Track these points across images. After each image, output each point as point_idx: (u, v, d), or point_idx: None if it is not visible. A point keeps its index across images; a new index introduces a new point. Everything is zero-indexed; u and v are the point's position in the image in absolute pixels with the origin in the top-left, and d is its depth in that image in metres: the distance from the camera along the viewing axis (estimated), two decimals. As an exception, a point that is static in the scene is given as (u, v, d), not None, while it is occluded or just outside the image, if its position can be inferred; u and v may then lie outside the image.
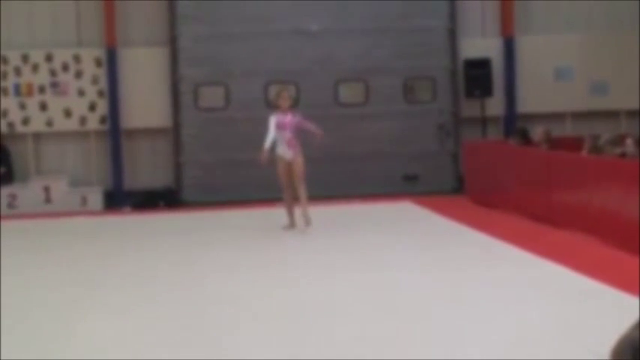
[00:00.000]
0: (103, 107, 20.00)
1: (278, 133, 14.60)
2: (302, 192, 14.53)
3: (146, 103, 20.08)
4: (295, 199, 14.78)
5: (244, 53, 20.10)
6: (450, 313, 8.71)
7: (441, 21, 20.50)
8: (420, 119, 20.51)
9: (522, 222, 15.04)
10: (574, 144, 16.37)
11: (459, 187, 19.95)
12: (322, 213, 17.34)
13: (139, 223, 17.26)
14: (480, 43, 20.74)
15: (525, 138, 16.99)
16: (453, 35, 20.51)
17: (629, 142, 14.16)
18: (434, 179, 20.40)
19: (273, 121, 14.69)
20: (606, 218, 12.65)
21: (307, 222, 14.55)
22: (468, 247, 12.78)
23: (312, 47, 20.24)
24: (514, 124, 20.00)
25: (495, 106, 20.62)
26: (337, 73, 20.34)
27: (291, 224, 14.98)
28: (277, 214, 15.92)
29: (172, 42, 20.05)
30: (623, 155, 14.09)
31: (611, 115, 20.66)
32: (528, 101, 20.71)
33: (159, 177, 20.20)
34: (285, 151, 14.67)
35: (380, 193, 19.79)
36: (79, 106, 19.99)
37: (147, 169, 20.24)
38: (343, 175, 20.08)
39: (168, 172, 20.26)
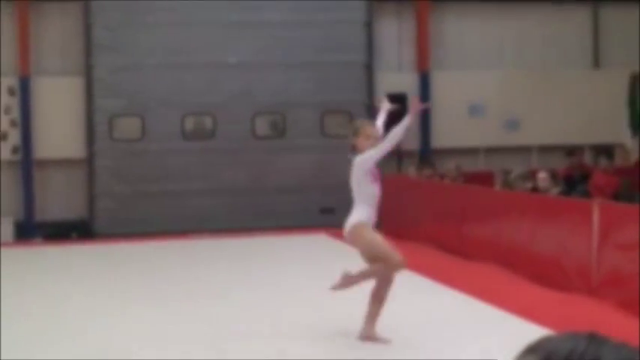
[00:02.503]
0: (15, 137, 19.68)
1: (371, 189, 9.52)
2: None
3: (60, 134, 19.81)
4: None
5: (161, 85, 20.00)
6: (355, 342, 8.73)
7: (358, 56, 20.69)
8: (336, 153, 20.57)
9: (435, 254, 15.17)
10: (486, 178, 16.63)
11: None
12: (236, 245, 17.33)
13: (49, 254, 16.99)
14: (396, 77, 20.96)
15: (434, 169, 17.47)
16: (369, 70, 20.71)
17: (543, 176, 14.38)
18: (350, 212, 20.45)
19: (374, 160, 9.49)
20: (516, 251, 12.85)
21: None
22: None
23: (230, 80, 20.24)
24: (429, 159, 20.22)
25: (410, 140, 20.79)
26: (255, 106, 20.36)
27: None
28: (190, 245, 15.77)
29: (88, 72, 19.85)
30: (534, 190, 14.32)
31: (522, 150, 21.02)
32: (443, 136, 20.96)
33: (72, 208, 19.91)
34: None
35: (297, 225, 19.79)
36: (-9, 136, 19.65)
37: (60, 200, 19.94)
38: (260, 208, 20.06)
39: (81, 204, 19.99)
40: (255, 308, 10.85)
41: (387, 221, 18.73)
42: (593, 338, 1.41)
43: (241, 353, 8.54)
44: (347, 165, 20.23)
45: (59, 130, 19.81)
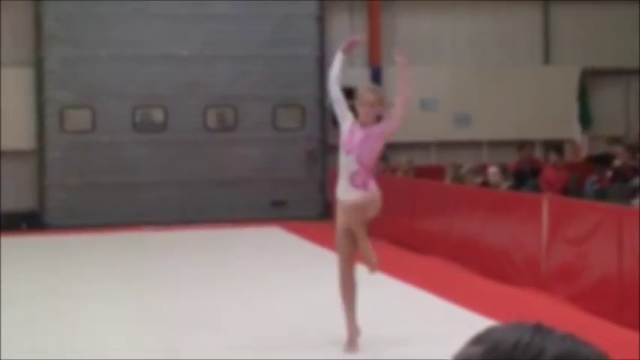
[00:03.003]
0: (-36, 128, 19.45)
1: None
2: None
3: (10, 125, 19.60)
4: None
5: (112, 76, 19.88)
6: (310, 332, 8.76)
7: (309, 50, 20.71)
8: (288, 146, 20.64)
9: (386, 247, 15.22)
10: (437, 173, 16.75)
11: (325, 212, 20.09)
12: (190, 237, 17.28)
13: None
14: (348, 72, 20.88)
15: (386, 163, 17.65)
16: (321, 64, 20.72)
17: (493, 171, 14.53)
18: (301, 205, 20.52)
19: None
20: (467, 245, 12.95)
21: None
22: (331, 270, 12.87)
23: (182, 72, 20.17)
24: (381, 152, 20.32)
25: (363, 134, 20.87)
26: (206, 98, 20.32)
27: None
28: (141, 237, 15.70)
29: (38, 63, 19.69)
30: (484, 184, 14.46)
31: (473, 145, 21.18)
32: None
33: (22, 199, 19.74)
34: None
35: (248, 218, 19.79)
36: (-60, 127, 19.38)
37: (10, 191, 19.72)
38: (212, 200, 20.01)
39: (31, 195, 19.83)
40: (220, 304, 10.85)
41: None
42: (538, 329, 1.44)
43: (196, 351, 8.53)
44: (298, 158, 20.39)
45: (9, 121, 19.59)
